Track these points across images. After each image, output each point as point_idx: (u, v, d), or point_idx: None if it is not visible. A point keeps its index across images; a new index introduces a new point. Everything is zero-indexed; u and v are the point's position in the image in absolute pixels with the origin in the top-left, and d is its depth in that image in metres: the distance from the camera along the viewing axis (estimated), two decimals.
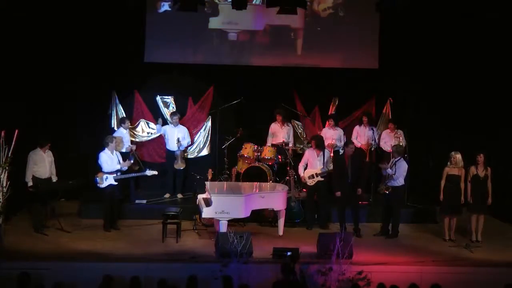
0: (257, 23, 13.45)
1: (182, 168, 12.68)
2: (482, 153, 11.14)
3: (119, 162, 11.25)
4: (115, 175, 11.10)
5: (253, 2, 13.21)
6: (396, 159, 11.24)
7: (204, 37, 13.42)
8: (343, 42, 13.63)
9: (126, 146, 12.21)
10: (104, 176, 11.06)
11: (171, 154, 12.71)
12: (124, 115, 12.88)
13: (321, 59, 13.60)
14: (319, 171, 11.62)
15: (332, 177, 11.68)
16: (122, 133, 12.31)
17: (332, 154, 12.28)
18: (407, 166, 11.29)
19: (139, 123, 13.10)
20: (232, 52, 13.59)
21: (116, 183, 11.13)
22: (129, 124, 12.56)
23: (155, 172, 11.54)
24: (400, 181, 11.23)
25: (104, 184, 11.09)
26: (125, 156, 11.72)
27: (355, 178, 11.29)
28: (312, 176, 11.67)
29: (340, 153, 12.27)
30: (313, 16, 13.59)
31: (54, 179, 11.17)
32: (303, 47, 13.61)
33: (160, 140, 13.08)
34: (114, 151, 11.27)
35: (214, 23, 13.37)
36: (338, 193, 11.40)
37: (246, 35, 13.58)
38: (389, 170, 11.17)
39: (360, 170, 11.39)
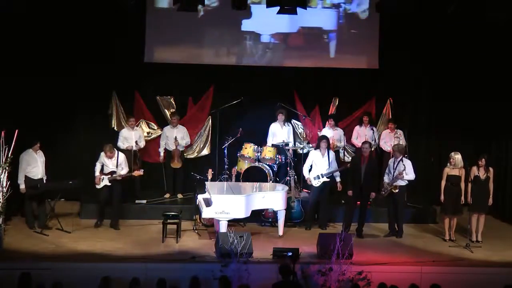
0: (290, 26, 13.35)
1: (178, 167, 12.65)
2: (483, 157, 11.09)
3: (116, 166, 11.35)
4: (109, 176, 11.25)
5: None
6: (399, 159, 11.22)
7: (206, 37, 13.41)
8: (344, 42, 13.63)
9: (129, 144, 12.20)
10: (101, 177, 11.29)
11: (169, 154, 12.69)
12: (124, 115, 12.91)
13: (321, 60, 13.59)
14: (324, 171, 11.59)
15: (348, 176, 11.71)
16: (123, 132, 12.33)
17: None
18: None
19: (139, 123, 13.07)
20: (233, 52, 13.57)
21: (109, 183, 11.29)
22: (133, 122, 12.41)
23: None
24: (410, 177, 11.17)
25: (101, 184, 11.31)
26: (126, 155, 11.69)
27: (367, 179, 11.29)
28: (318, 177, 11.63)
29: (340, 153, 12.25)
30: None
31: (44, 179, 11.14)
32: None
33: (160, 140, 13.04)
34: (112, 158, 11.32)
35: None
36: (350, 192, 11.40)
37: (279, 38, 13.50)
38: (400, 169, 11.13)
39: (375, 172, 11.40)
